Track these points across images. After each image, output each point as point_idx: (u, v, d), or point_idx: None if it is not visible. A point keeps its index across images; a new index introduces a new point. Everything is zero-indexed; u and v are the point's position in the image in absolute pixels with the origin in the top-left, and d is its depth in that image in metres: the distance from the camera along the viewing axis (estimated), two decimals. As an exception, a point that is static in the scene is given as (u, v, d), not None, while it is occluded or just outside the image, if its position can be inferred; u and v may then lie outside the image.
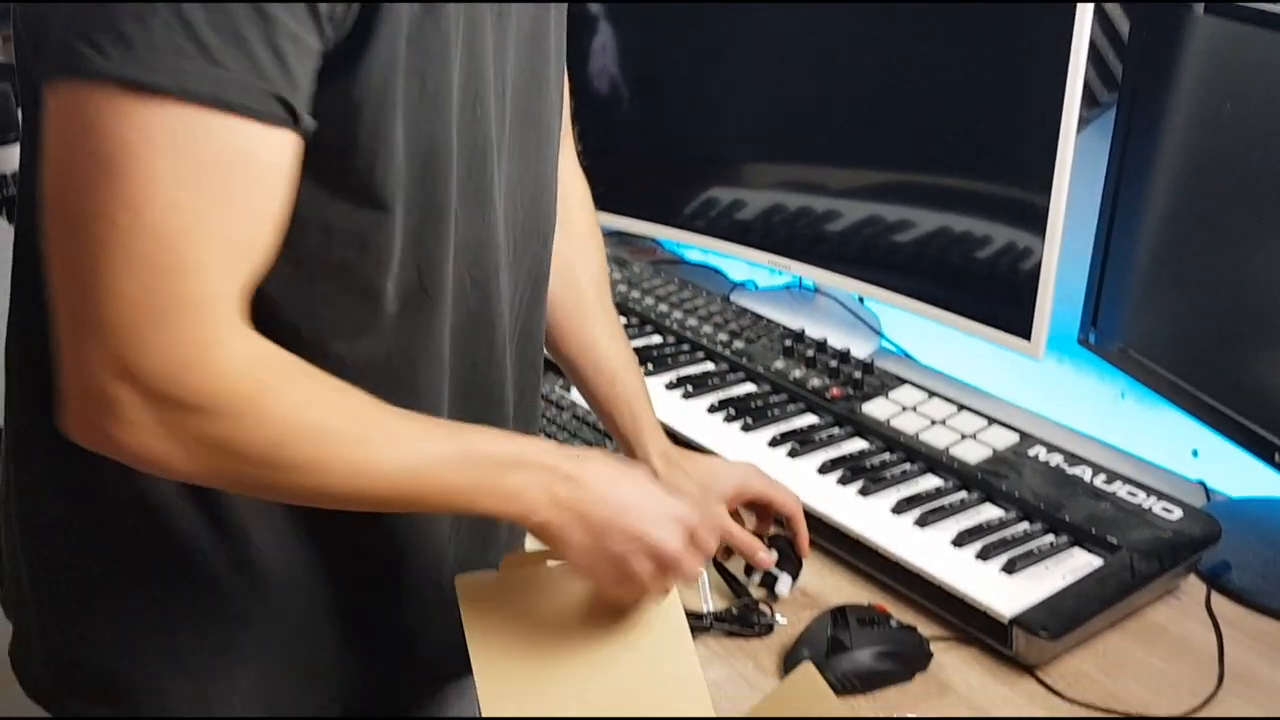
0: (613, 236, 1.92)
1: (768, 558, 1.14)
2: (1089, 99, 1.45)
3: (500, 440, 0.85)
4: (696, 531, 0.89)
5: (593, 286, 1.17)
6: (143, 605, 0.91)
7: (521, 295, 1.01)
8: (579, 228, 1.17)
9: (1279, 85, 1.20)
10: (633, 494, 0.88)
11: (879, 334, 1.76)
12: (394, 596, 0.98)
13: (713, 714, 0.93)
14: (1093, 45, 1.38)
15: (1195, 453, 1.48)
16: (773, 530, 1.23)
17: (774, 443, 1.38)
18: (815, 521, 1.26)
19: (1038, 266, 1.45)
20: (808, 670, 0.89)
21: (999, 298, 1.51)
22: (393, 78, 0.77)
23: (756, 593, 1.19)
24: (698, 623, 1.13)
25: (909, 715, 1.03)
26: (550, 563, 0.97)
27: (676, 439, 1.41)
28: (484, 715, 0.89)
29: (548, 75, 0.96)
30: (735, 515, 1.19)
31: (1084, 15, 1.34)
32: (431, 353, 0.90)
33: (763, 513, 1.21)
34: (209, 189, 0.69)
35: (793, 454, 1.36)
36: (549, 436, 1.42)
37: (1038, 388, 1.61)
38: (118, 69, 0.66)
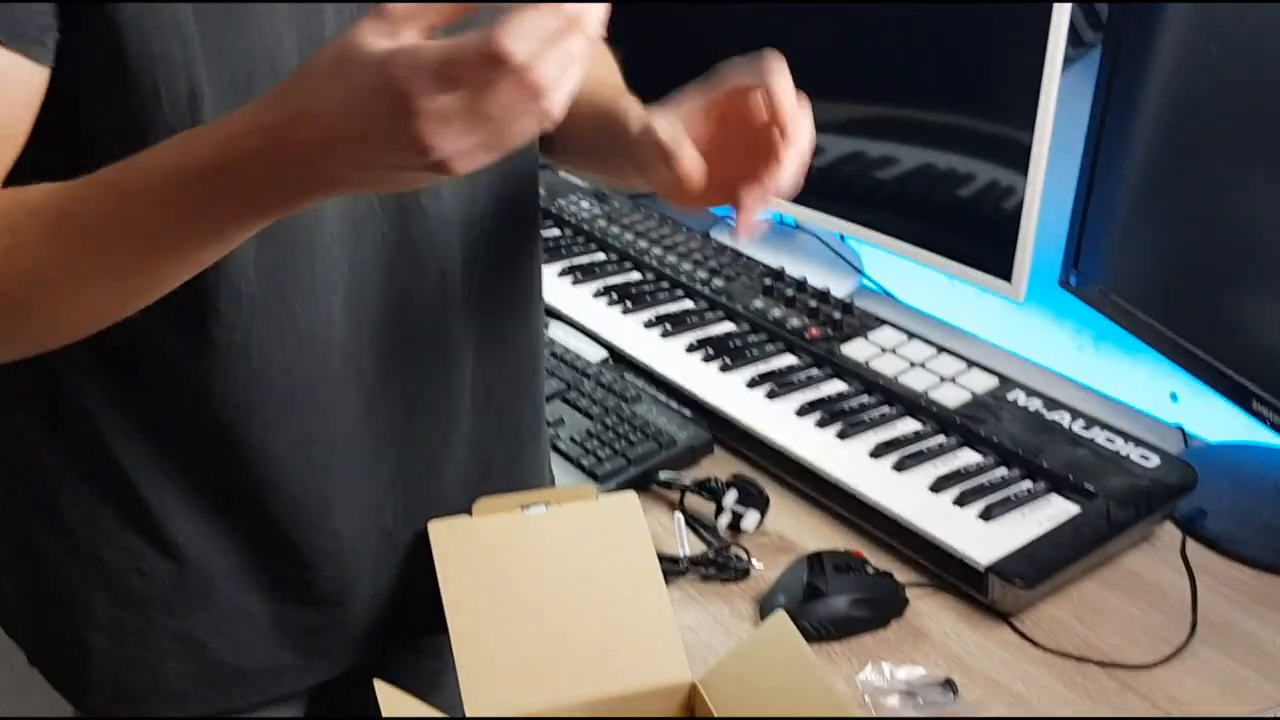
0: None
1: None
2: (1074, 39, 1.43)
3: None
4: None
5: None
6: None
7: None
8: None
9: (1265, 28, 1.19)
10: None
11: (860, 272, 1.74)
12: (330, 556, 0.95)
13: (684, 660, 0.93)
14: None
15: (1174, 396, 1.47)
16: (735, 472, 1.22)
17: (753, 383, 1.37)
18: (793, 465, 1.25)
19: (1020, 206, 1.43)
20: (780, 619, 0.89)
21: (981, 238, 1.50)
22: None
23: (725, 535, 1.19)
24: (673, 566, 1.13)
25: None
26: (524, 508, 0.97)
27: (654, 378, 1.41)
28: (457, 660, 0.89)
29: None
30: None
31: (1071, -48, 1.32)
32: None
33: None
34: None
35: (771, 395, 1.35)
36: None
37: (1018, 329, 1.61)
38: None
